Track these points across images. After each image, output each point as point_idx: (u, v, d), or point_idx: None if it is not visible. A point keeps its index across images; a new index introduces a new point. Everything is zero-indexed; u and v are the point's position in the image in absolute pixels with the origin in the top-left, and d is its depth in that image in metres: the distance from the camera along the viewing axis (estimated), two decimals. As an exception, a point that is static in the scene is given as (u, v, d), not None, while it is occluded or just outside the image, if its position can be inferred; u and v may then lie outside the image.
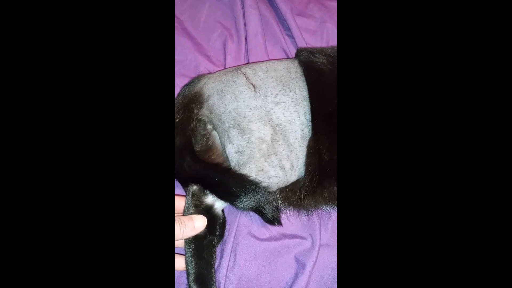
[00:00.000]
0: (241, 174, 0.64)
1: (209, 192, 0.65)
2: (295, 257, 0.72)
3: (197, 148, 0.71)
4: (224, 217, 0.72)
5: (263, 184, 0.63)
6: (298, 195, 0.67)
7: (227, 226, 0.72)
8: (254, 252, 0.72)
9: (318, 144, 0.65)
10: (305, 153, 0.66)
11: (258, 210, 0.64)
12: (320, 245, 0.72)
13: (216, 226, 0.66)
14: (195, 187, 0.65)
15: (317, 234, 0.73)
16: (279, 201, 0.69)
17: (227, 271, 0.69)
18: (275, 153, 0.64)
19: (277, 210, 0.65)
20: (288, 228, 0.74)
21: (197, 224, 0.62)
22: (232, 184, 0.63)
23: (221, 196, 0.64)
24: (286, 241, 0.73)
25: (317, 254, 0.71)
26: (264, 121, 0.65)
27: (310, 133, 0.66)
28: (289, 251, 0.72)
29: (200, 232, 0.63)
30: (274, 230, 0.74)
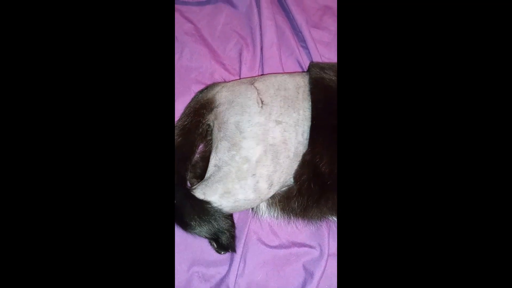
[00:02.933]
0: (202, 202, 0.64)
1: None
2: (304, 266, 0.73)
3: (204, 153, 0.73)
4: (233, 222, 0.73)
5: (225, 209, 0.64)
6: (298, 204, 0.68)
7: (237, 232, 0.73)
8: (263, 259, 0.73)
9: (315, 158, 0.66)
10: (294, 168, 0.67)
11: (213, 238, 0.65)
12: (329, 255, 0.73)
13: None
14: None
15: (325, 244, 0.74)
16: (279, 211, 0.70)
17: (236, 277, 0.70)
18: (253, 175, 0.65)
19: (233, 238, 0.66)
20: (297, 237, 0.75)
21: None
22: (189, 212, 0.63)
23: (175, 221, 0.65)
24: (295, 249, 0.74)
25: (326, 263, 0.72)
26: (258, 140, 0.66)
27: (304, 150, 0.67)
28: (297, 259, 0.74)
29: None
30: (283, 237, 0.75)
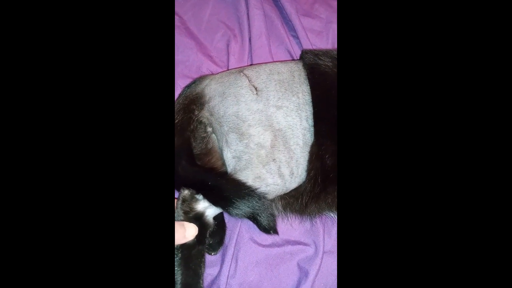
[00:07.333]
0: (236, 179, 0.61)
1: (201, 197, 0.62)
2: (298, 264, 0.70)
3: (197, 150, 0.69)
4: (224, 222, 0.70)
5: (259, 190, 0.61)
6: (301, 201, 0.65)
7: (228, 232, 0.71)
8: (256, 258, 0.70)
9: (320, 149, 0.63)
10: (307, 159, 0.64)
11: (253, 218, 0.61)
12: (324, 252, 0.70)
13: (206, 235, 0.64)
14: (186, 192, 0.63)
15: (320, 241, 0.71)
16: (280, 208, 0.67)
17: (227, 278, 0.68)
18: (274, 159, 0.62)
19: (273, 218, 0.62)
20: (291, 234, 0.72)
21: (189, 232, 0.59)
22: (226, 189, 0.60)
23: (214, 202, 0.62)
24: (289, 248, 0.71)
25: (321, 261, 0.70)
26: (265, 126, 0.63)
27: (312, 138, 0.64)
28: (292, 257, 0.71)
29: (189, 241, 0.60)
30: (277, 236, 0.72)
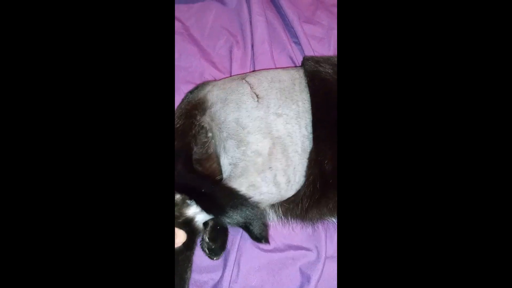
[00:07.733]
0: (230, 187, 0.61)
1: (193, 203, 0.62)
2: (300, 269, 0.70)
3: (198, 155, 0.70)
4: (226, 227, 0.70)
5: (253, 199, 0.61)
6: (301, 206, 0.66)
7: (230, 237, 0.71)
8: (258, 263, 0.70)
9: (319, 155, 0.63)
10: (305, 165, 0.64)
11: (245, 226, 0.61)
12: (326, 257, 0.70)
13: (195, 241, 0.64)
14: (177, 196, 0.63)
15: (322, 246, 0.71)
16: (281, 214, 0.67)
17: (230, 283, 0.68)
18: (270, 167, 0.63)
19: (265, 227, 0.63)
20: (293, 239, 0.72)
21: (178, 238, 0.59)
22: (219, 197, 0.60)
23: (206, 209, 0.62)
24: (291, 253, 0.71)
25: (323, 266, 0.70)
26: (264, 133, 0.64)
27: (311, 146, 0.64)
28: (294, 263, 0.71)
29: (177, 247, 0.60)
30: (279, 241, 0.72)
